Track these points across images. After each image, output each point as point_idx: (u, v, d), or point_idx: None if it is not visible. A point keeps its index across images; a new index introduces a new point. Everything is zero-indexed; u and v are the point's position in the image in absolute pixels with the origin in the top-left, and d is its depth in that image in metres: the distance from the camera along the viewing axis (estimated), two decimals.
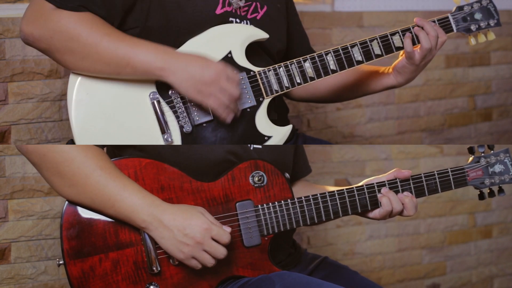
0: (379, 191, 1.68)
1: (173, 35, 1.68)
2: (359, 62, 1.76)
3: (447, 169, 1.71)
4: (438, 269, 3.10)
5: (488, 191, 1.74)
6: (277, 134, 1.74)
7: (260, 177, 1.63)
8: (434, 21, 1.80)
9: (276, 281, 1.55)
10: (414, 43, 1.78)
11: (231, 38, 1.72)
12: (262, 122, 1.73)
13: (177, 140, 1.67)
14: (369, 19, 2.97)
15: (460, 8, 1.83)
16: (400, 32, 1.78)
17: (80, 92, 1.63)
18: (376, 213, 1.69)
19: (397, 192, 1.68)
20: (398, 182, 1.69)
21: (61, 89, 2.28)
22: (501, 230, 3.23)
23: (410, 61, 1.80)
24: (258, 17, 1.79)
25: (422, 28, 1.77)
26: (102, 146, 1.66)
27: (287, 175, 1.67)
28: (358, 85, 1.95)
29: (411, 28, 1.78)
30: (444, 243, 3.10)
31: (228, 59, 1.70)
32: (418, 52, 1.78)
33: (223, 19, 1.73)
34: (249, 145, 1.70)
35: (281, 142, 1.74)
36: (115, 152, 1.69)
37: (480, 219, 3.18)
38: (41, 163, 1.56)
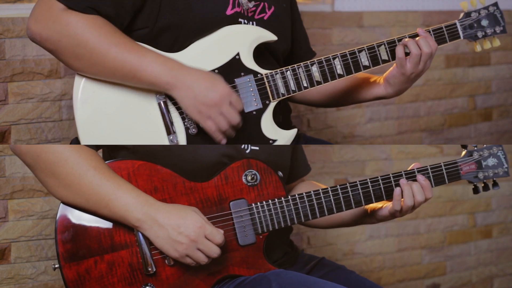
0: (372, 187, 1.67)
1: (183, 36, 1.68)
2: (365, 67, 1.75)
3: (440, 163, 1.71)
4: (438, 269, 3.09)
5: (482, 185, 1.74)
6: (282, 138, 1.73)
7: (253, 176, 1.63)
8: (441, 28, 1.77)
9: (272, 279, 1.55)
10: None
11: (240, 39, 1.71)
12: (268, 125, 1.72)
13: (182, 141, 1.67)
14: (369, 19, 2.96)
15: (467, 15, 1.80)
16: (407, 38, 1.75)
17: (86, 91, 1.63)
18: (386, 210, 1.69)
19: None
20: (391, 176, 1.68)
21: (61, 89, 2.28)
22: (501, 230, 3.22)
23: (401, 69, 1.76)
24: (265, 18, 1.79)
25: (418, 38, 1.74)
26: (99, 147, 1.66)
27: (280, 173, 1.67)
28: (349, 91, 1.93)
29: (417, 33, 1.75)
30: (444, 243, 3.09)
31: (236, 61, 1.70)
32: (409, 60, 1.74)
33: (234, 20, 1.73)
34: (246, 146, 1.70)
35: None
36: (109, 153, 1.69)
37: (480, 219, 3.17)
38: (35, 164, 1.56)
